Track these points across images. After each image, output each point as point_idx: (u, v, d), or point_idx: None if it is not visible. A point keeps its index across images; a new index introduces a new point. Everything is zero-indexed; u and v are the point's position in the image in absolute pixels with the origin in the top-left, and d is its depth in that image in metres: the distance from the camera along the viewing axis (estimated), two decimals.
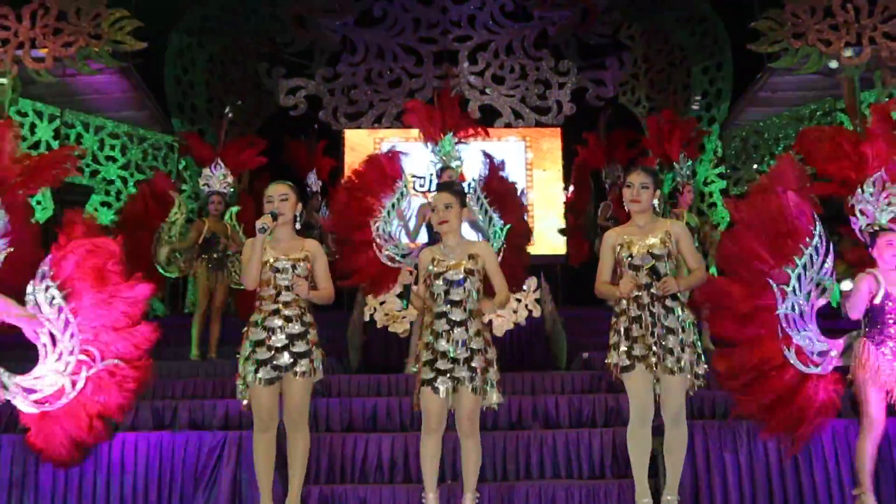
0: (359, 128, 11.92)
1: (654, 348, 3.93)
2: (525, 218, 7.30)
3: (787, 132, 9.87)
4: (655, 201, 4.15)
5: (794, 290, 4.21)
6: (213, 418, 5.51)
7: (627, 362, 3.98)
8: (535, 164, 12.06)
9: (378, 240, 6.60)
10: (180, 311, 10.07)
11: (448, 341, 3.91)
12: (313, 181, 10.42)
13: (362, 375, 6.57)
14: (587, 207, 10.27)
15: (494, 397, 4.01)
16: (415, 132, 8.24)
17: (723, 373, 4.40)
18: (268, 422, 4.07)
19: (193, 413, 5.53)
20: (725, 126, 10.72)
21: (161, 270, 7.55)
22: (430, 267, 4.01)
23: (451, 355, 3.88)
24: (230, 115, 9.20)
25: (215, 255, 7.43)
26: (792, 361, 4.26)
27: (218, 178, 7.70)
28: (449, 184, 4.32)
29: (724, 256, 4.39)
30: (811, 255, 4.21)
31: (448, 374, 3.87)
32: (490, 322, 7.60)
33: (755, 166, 10.23)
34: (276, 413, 4.09)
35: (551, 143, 12.02)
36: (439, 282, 3.98)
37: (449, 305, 3.96)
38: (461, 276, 3.97)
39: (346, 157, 11.79)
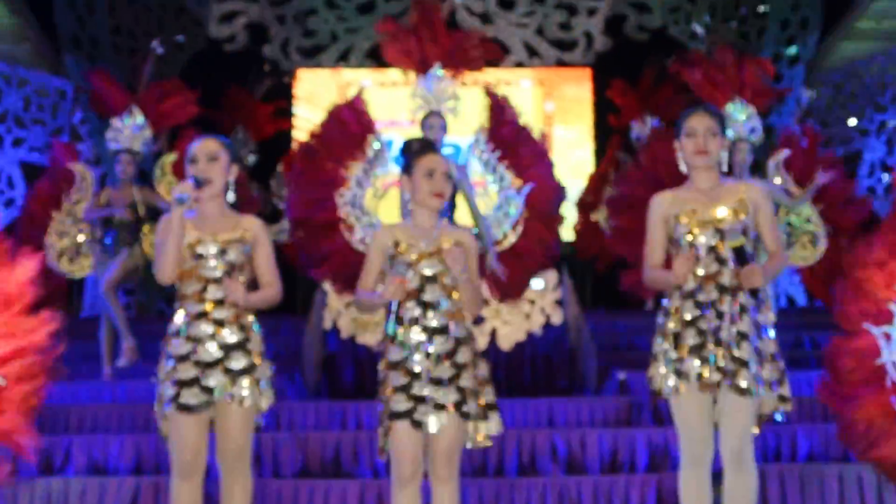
0: (318, 66, 11.89)
1: (718, 362, 3.86)
2: (555, 178, 7.28)
3: None
4: (724, 154, 4.12)
5: None
6: (120, 460, 5.50)
7: (673, 382, 3.91)
8: (555, 117, 12.07)
9: (347, 218, 6.61)
10: (75, 314, 10.05)
11: (426, 356, 3.89)
12: (241, 139, 10.47)
13: (322, 402, 6.60)
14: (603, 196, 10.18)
15: (494, 427, 3.96)
16: (395, 73, 8.23)
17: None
18: (192, 465, 4.02)
19: (93, 453, 5.52)
20: (813, 67, 10.72)
21: (68, 275, 7.61)
22: (392, 251, 3.98)
23: (433, 375, 3.86)
24: (158, 50, 9.13)
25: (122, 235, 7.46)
26: None
27: (130, 130, 7.70)
28: (431, 143, 4.25)
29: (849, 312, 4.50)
30: None
31: (430, 402, 3.86)
32: (493, 331, 7.64)
33: (853, 122, 10.23)
34: (204, 453, 4.06)
35: (578, 89, 12.03)
36: (408, 275, 3.96)
37: (422, 308, 3.93)
38: (438, 270, 3.95)
39: (297, 108, 11.80)
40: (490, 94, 7.29)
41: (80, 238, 7.60)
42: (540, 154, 7.12)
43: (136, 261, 7.41)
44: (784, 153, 7.75)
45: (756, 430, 3.96)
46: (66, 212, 7.63)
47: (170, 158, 7.86)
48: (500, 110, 7.19)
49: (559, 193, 7.24)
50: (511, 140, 7.02)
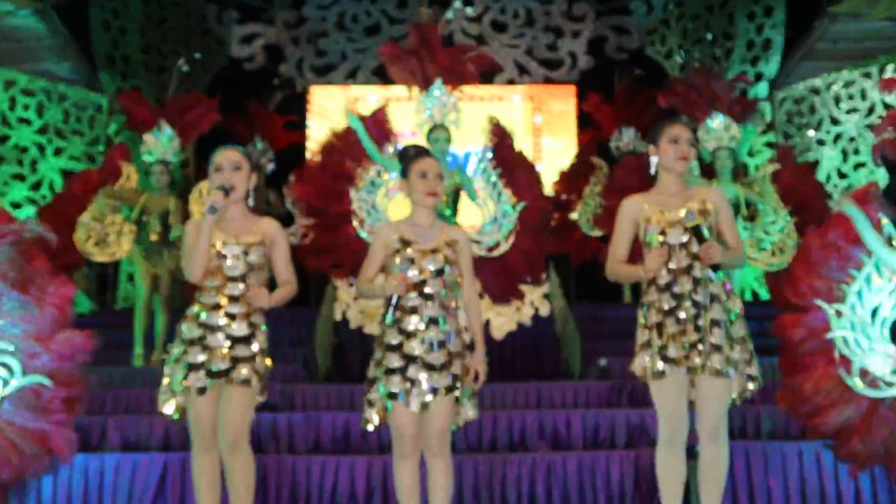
0: (329, 83, 11.91)
1: (699, 346, 3.89)
2: (543, 196, 7.45)
3: (851, 93, 9.90)
4: (696, 162, 4.21)
5: (852, 308, 4.42)
6: (151, 438, 5.51)
7: (661, 366, 3.92)
8: (543, 129, 12.09)
9: (359, 211, 6.61)
10: (109, 306, 10.06)
11: (423, 343, 3.89)
12: (261, 148, 10.47)
13: (332, 385, 6.59)
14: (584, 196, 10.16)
15: (471, 412, 4.01)
16: (399, 90, 8.24)
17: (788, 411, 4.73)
18: (210, 438, 4.05)
19: (126, 431, 5.52)
20: (776, 84, 10.74)
21: (87, 255, 7.55)
22: (398, 246, 3.98)
23: (427, 360, 3.87)
24: (184, 68, 9.11)
25: (152, 237, 7.45)
26: (859, 390, 4.42)
27: (163, 143, 7.71)
28: (425, 148, 4.28)
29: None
30: (877, 265, 4.42)
31: (426, 386, 3.86)
32: (487, 322, 7.65)
33: (811, 133, 10.25)
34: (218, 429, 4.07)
35: (564, 103, 12.04)
36: (414, 270, 3.97)
37: (422, 299, 3.94)
38: (440, 265, 3.96)
39: (310, 122, 11.80)
40: (494, 122, 7.36)
41: (115, 225, 7.52)
42: (534, 179, 7.22)
43: (175, 262, 7.44)
44: (774, 166, 7.79)
45: (738, 401, 4.00)
46: (107, 199, 7.58)
47: (207, 185, 7.82)
48: (500, 134, 7.27)
49: (547, 213, 7.45)
50: (510, 163, 7.10)
